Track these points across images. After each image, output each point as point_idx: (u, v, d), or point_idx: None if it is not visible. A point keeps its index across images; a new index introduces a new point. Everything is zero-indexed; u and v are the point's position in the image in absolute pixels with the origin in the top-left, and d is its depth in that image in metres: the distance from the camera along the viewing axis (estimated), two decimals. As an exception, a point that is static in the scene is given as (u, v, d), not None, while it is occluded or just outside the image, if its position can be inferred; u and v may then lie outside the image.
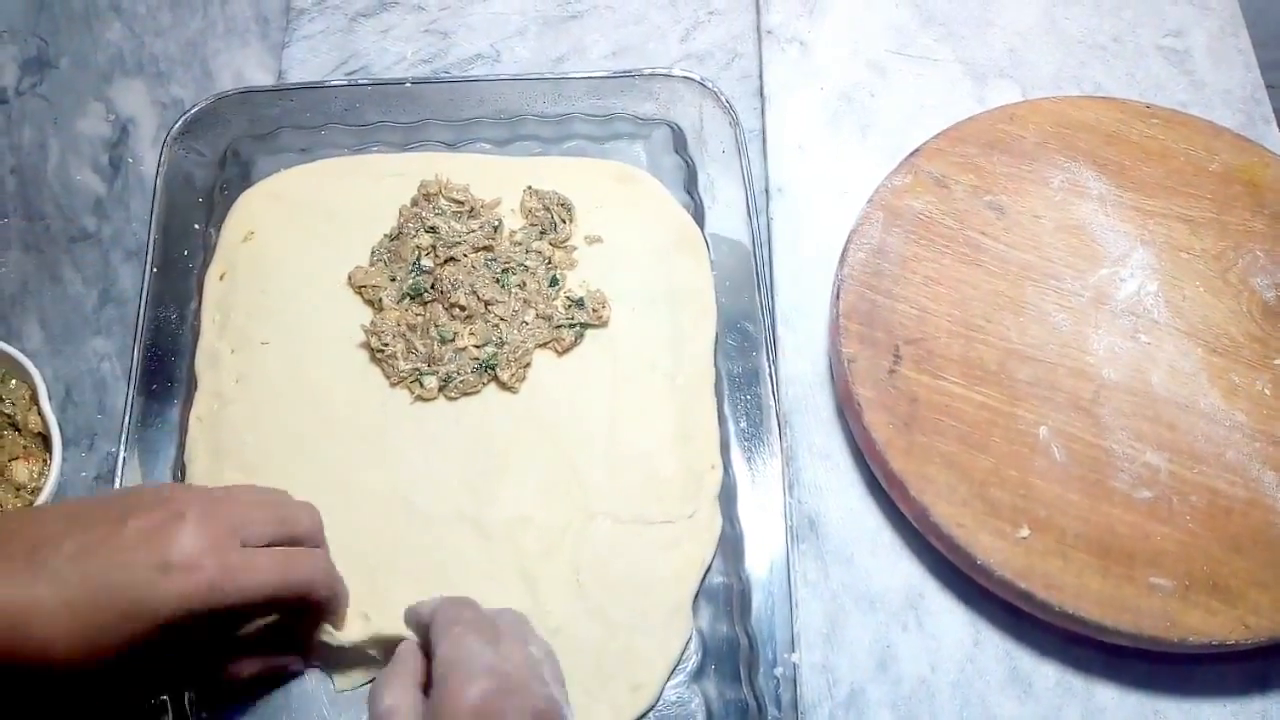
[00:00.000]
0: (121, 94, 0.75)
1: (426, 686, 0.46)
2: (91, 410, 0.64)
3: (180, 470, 0.61)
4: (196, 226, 0.68)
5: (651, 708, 0.56)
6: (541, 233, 0.67)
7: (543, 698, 0.45)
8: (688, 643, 0.57)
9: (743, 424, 0.62)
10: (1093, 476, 0.58)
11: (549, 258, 0.66)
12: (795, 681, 0.55)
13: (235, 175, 0.71)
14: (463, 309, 0.63)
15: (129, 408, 0.62)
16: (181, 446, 0.62)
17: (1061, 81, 0.76)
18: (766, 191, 0.71)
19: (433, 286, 0.65)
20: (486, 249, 0.66)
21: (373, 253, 0.67)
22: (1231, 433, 0.60)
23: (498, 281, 0.65)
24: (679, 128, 0.72)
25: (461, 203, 0.68)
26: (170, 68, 0.76)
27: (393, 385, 0.63)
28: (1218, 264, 0.65)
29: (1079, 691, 0.56)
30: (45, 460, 0.60)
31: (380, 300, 0.65)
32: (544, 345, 0.64)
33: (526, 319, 0.64)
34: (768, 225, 0.70)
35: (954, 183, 0.67)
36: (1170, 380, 0.61)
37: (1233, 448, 0.59)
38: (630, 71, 0.73)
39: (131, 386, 0.62)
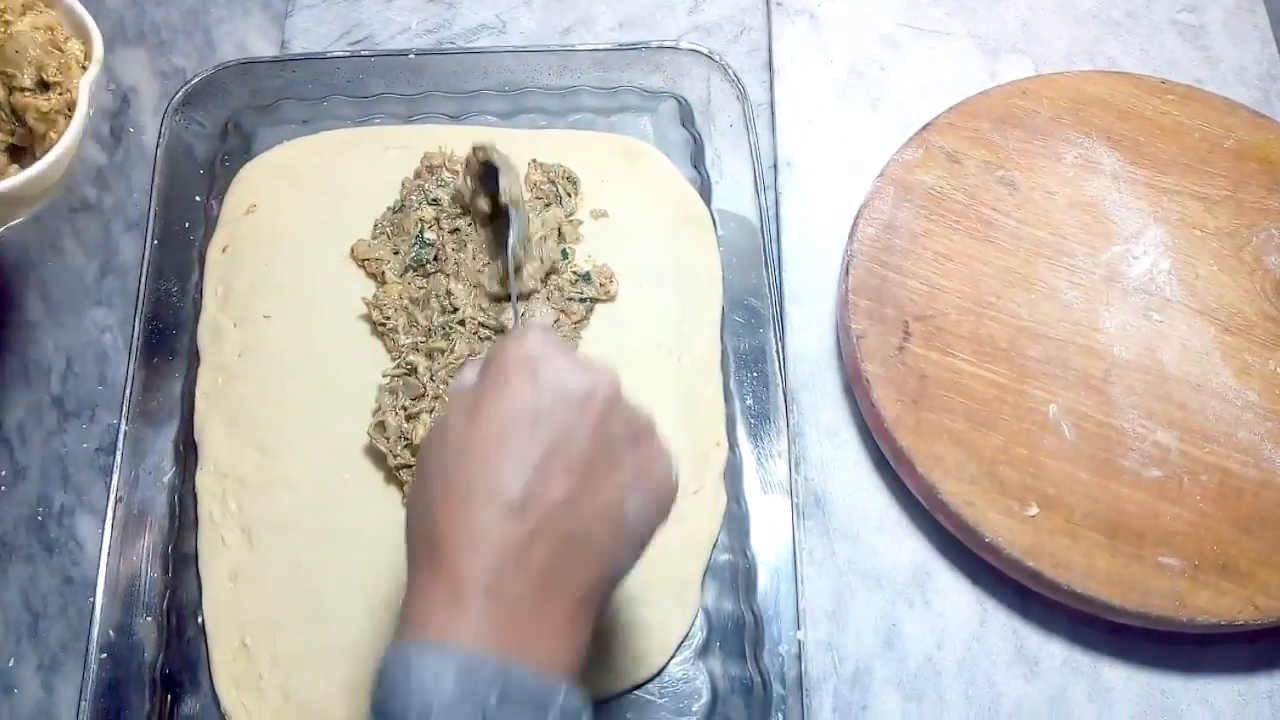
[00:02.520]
0: (122, 63, 0.74)
1: None
2: (93, 381, 0.64)
3: (184, 443, 0.61)
4: (197, 198, 0.68)
5: (653, 678, 0.55)
6: (546, 206, 0.67)
7: (611, 379, 0.42)
8: (694, 619, 0.57)
9: (749, 401, 0.62)
10: (1102, 455, 0.58)
11: (557, 229, 0.66)
12: (800, 659, 0.55)
13: (237, 147, 0.70)
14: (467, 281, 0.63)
15: (130, 380, 0.61)
16: (184, 419, 0.61)
17: (1075, 56, 0.75)
18: (775, 166, 0.70)
19: (435, 258, 0.64)
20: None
21: (375, 225, 0.67)
22: (1243, 412, 0.59)
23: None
24: (686, 101, 0.71)
25: (465, 175, 0.67)
26: (172, 36, 0.75)
27: (394, 359, 0.62)
28: (1232, 242, 0.64)
29: (1086, 670, 0.56)
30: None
31: (383, 273, 0.64)
32: (554, 323, 0.63)
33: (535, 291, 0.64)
34: (776, 200, 0.69)
35: (966, 158, 0.66)
36: (1182, 359, 0.61)
37: (1244, 427, 0.59)
38: (637, 44, 0.72)
39: (133, 358, 0.62)
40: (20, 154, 0.57)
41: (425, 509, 0.40)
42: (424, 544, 0.40)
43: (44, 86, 0.55)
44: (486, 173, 0.63)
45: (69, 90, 0.55)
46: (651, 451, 0.43)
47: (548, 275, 0.64)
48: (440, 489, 0.40)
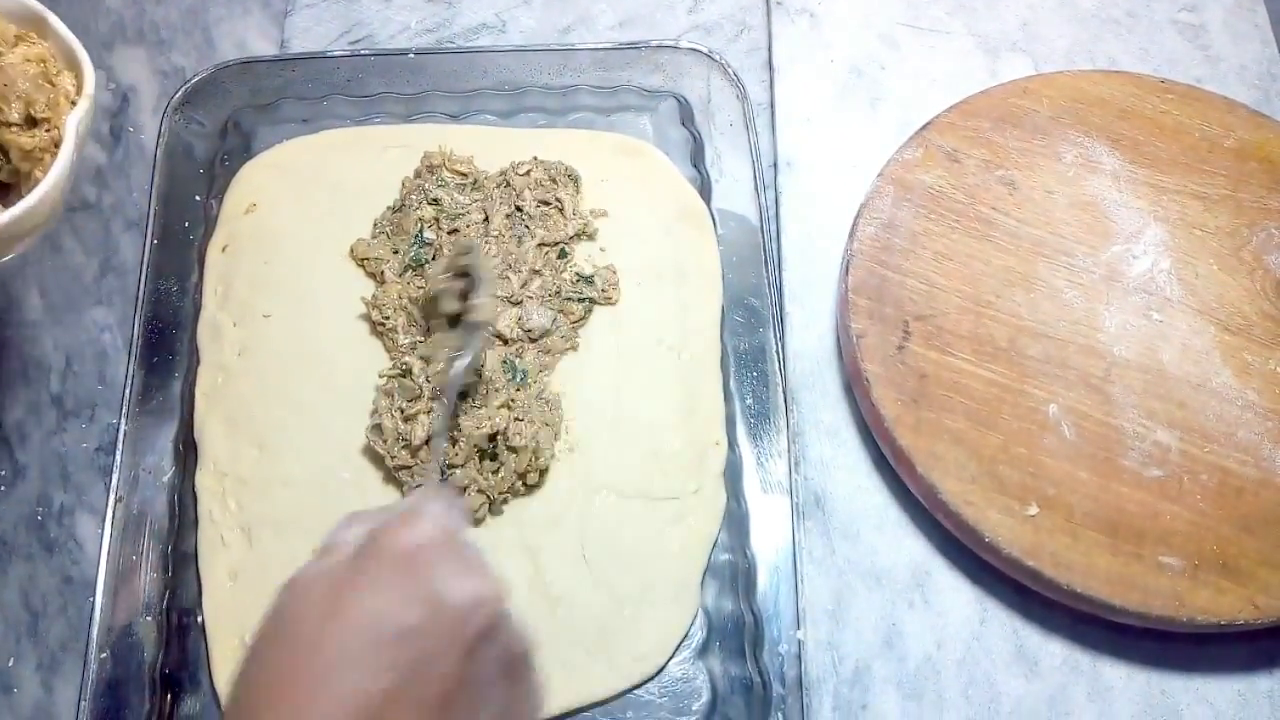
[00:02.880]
0: (122, 62, 0.74)
1: None
2: (92, 381, 0.64)
3: (184, 442, 0.61)
4: (197, 198, 0.68)
5: (652, 678, 0.55)
6: (546, 204, 0.67)
7: (497, 595, 0.38)
8: (694, 618, 0.57)
9: (749, 400, 0.62)
10: (1102, 455, 0.58)
11: (559, 246, 0.65)
12: (800, 659, 0.55)
13: (236, 146, 0.70)
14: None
15: (130, 379, 0.61)
16: (183, 419, 0.61)
17: (1075, 55, 0.75)
18: (775, 165, 0.70)
19: (434, 258, 0.64)
20: (489, 220, 0.65)
21: (375, 225, 0.67)
22: (1244, 412, 0.59)
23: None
24: (686, 100, 0.71)
25: (465, 174, 0.67)
26: (171, 35, 0.75)
27: (393, 358, 0.62)
28: (1232, 241, 0.64)
29: (1085, 670, 0.56)
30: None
31: (382, 273, 0.64)
32: (551, 322, 0.63)
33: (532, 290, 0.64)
34: (775, 199, 0.69)
35: (965, 157, 0.66)
36: (1182, 358, 0.61)
37: (1244, 427, 0.59)
38: (637, 43, 0.72)
39: (132, 358, 0.62)
40: (6, 190, 0.55)
41: (249, 706, 0.35)
42: None
43: (32, 122, 0.52)
44: (465, 274, 0.59)
45: (56, 126, 0.53)
46: (520, 690, 0.39)
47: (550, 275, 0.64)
48: (272, 688, 0.35)
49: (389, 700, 0.34)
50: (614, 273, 0.65)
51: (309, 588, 0.37)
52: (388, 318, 0.63)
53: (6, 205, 0.51)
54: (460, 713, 0.36)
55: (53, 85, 0.53)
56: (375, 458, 0.59)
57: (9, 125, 0.52)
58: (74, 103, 0.54)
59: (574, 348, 0.63)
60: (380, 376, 0.61)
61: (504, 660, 0.38)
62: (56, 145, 0.53)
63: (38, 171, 0.52)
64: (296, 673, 0.35)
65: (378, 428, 0.59)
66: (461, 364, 0.56)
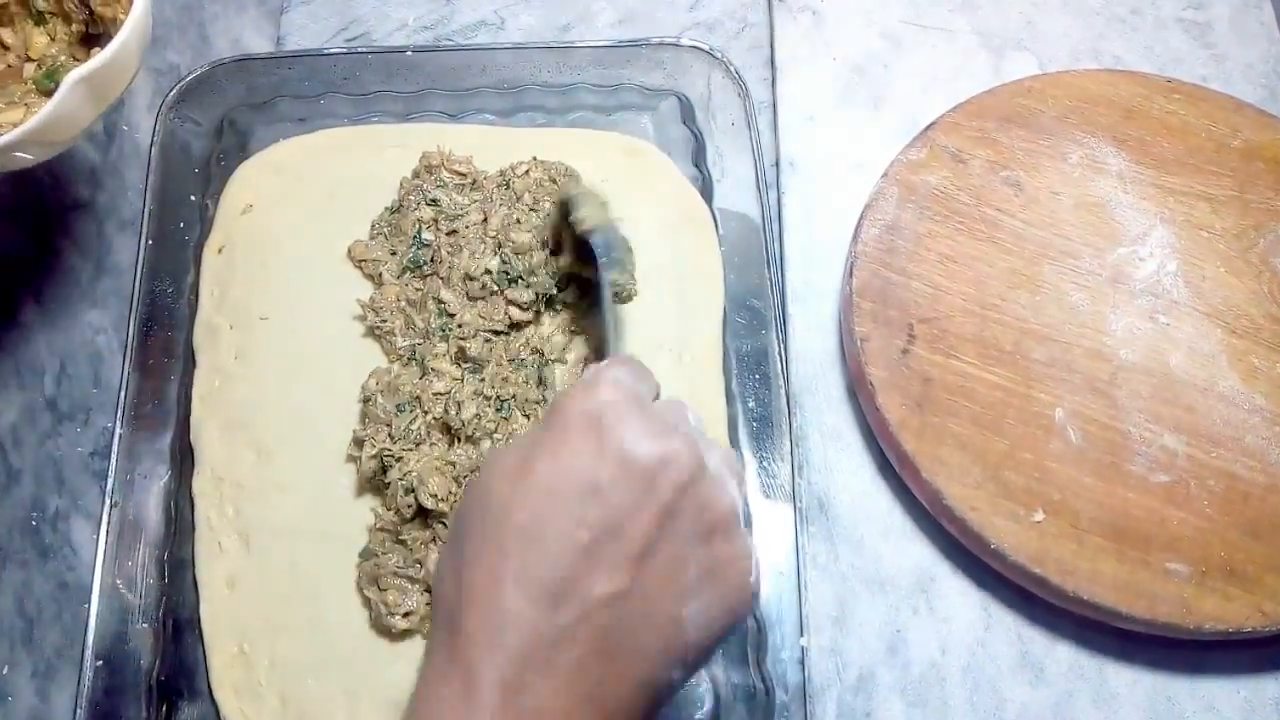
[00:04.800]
0: (115, 60, 0.73)
1: None
2: (87, 384, 0.63)
3: (180, 447, 0.60)
4: (192, 198, 0.67)
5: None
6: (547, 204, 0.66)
7: (691, 454, 0.37)
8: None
9: (751, 403, 0.61)
10: (1108, 459, 0.57)
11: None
12: (804, 665, 0.55)
13: (232, 145, 0.69)
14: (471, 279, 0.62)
15: (125, 382, 0.60)
16: (179, 423, 0.60)
17: (1079, 54, 0.74)
18: (777, 165, 0.70)
19: (433, 259, 0.63)
20: (488, 221, 0.65)
21: (373, 226, 0.66)
22: (1251, 416, 0.58)
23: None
24: (687, 99, 0.70)
25: (464, 175, 0.67)
26: (166, 32, 0.74)
27: (391, 361, 0.61)
28: (1239, 243, 0.64)
29: (1091, 676, 0.56)
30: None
31: (380, 274, 0.64)
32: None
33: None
34: (778, 200, 0.68)
35: (970, 157, 0.66)
36: (1189, 362, 0.60)
37: (1252, 432, 0.58)
38: (637, 41, 0.71)
39: (127, 361, 0.61)
40: (95, 41, 0.57)
41: (453, 577, 0.36)
42: (445, 620, 0.35)
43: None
44: (565, 213, 0.58)
45: None
46: (729, 549, 0.37)
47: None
48: (469, 557, 0.35)
49: (584, 555, 0.34)
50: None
51: (501, 456, 0.37)
52: (384, 320, 0.62)
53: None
54: (660, 570, 0.35)
55: None
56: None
57: None
58: None
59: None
60: (363, 391, 0.59)
61: (707, 518, 0.37)
62: None
63: (120, 15, 0.55)
64: (491, 537, 0.35)
65: (359, 442, 0.58)
66: (605, 276, 0.54)
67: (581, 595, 0.34)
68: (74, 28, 0.57)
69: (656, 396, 0.43)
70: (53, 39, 0.58)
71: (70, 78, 0.50)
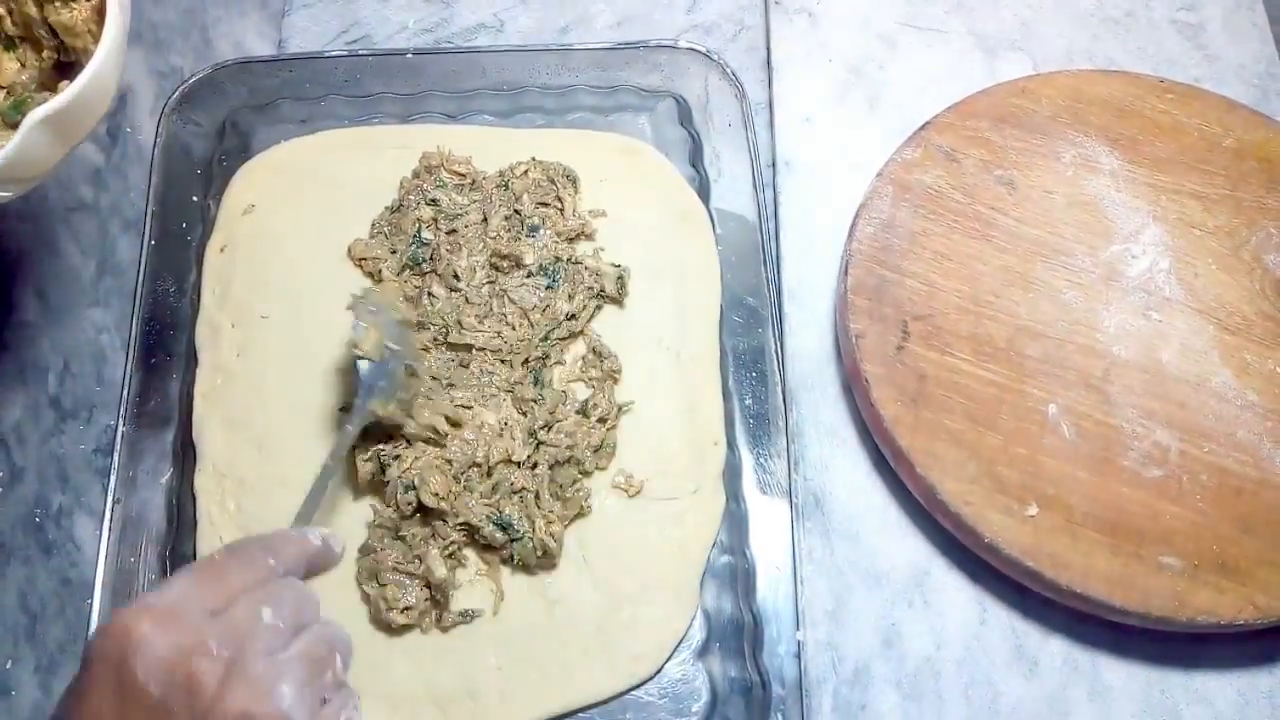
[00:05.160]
0: (119, 63, 0.74)
1: None
2: (90, 382, 0.64)
3: (182, 444, 0.60)
4: (195, 198, 0.68)
5: (651, 678, 0.55)
6: (545, 204, 0.66)
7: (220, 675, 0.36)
8: (693, 619, 0.57)
9: (748, 400, 0.62)
10: (1102, 454, 0.58)
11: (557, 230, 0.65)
12: (800, 659, 0.55)
13: (234, 146, 0.70)
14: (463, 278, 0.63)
15: (128, 380, 0.61)
16: (182, 420, 0.61)
17: (1073, 55, 0.75)
18: (773, 165, 0.70)
19: (432, 258, 0.64)
20: (487, 220, 0.65)
21: (373, 225, 0.67)
22: (1243, 412, 0.59)
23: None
24: (684, 100, 0.71)
25: (463, 175, 0.67)
26: (169, 35, 0.75)
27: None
28: (1230, 241, 0.64)
29: (1085, 669, 0.56)
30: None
31: (380, 272, 0.64)
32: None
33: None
34: (774, 199, 0.69)
35: (964, 157, 0.66)
36: (1181, 358, 0.60)
37: (1244, 427, 0.58)
38: (635, 43, 0.72)
39: (130, 359, 0.62)
40: (68, 70, 0.55)
41: None
42: None
43: None
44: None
45: None
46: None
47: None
48: None
49: None
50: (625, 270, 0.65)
51: (74, 687, 0.38)
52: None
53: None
54: None
55: None
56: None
57: (53, 2, 0.52)
58: None
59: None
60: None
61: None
62: (100, 18, 0.52)
63: (91, 45, 0.53)
64: None
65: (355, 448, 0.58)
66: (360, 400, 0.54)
67: None
68: (45, 55, 0.55)
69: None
70: (23, 65, 0.55)
71: (31, 117, 0.48)
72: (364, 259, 0.65)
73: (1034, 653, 0.56)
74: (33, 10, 0.53)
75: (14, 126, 0.52)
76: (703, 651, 0.56)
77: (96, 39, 0.52)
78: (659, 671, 0.56)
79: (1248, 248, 0.64)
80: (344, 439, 0.54)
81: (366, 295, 0.58)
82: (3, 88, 0.55)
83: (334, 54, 0.72)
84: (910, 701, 0.55)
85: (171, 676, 0.35)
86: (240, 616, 0.38)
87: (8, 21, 0.54)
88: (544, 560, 0.56)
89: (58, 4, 0.53)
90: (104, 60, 0.51)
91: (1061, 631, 0.57)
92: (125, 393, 0.61)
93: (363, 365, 0.56)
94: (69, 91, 0.49)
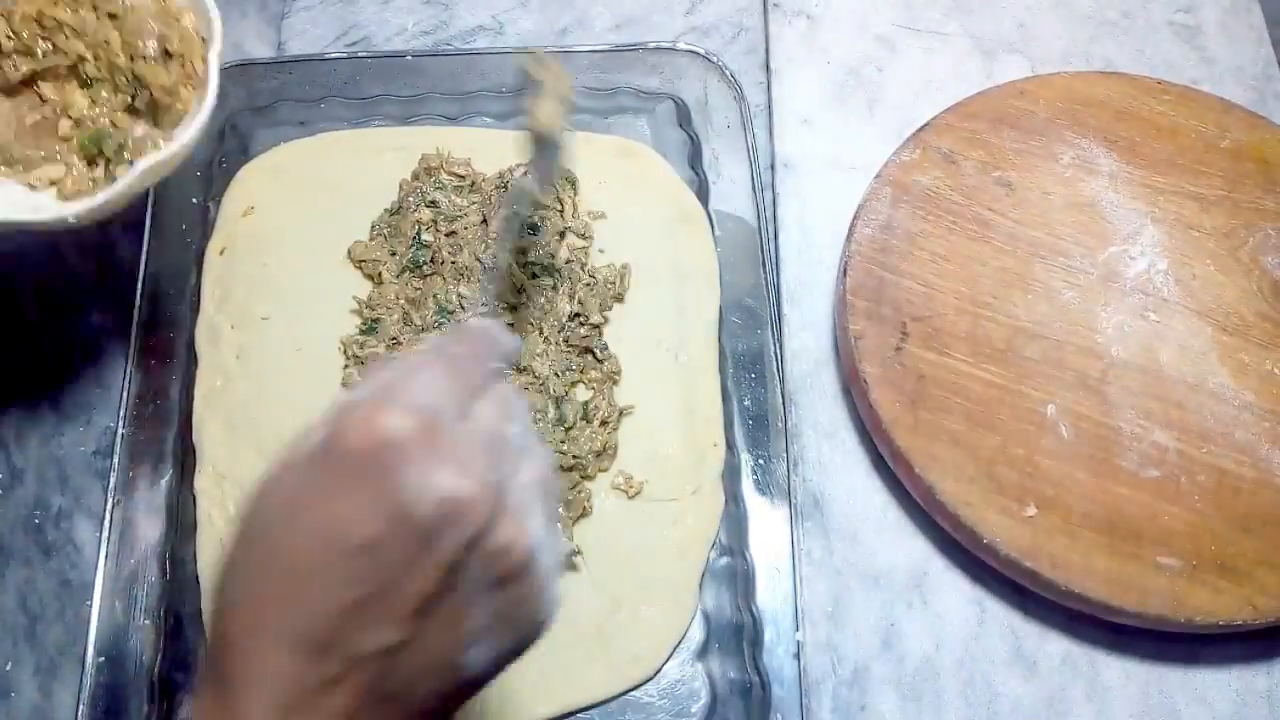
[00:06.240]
0: (118, 65, 0.74)
1: None
2: (90, 384, 0.64)
3: (182, 446, 0.61)
4: (195, 200, 0.68)
5: (651, 679, 0.55)
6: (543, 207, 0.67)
7: (482, 501, 0.33)
8: (692, 620, 0.57)
9: (747, 402, 0.62)
10: (1100, 455, 0.58)
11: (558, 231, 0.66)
12: (799, 659, 0.55)
13: (233, 148, 0.70)
14: (465, 276, 0.63)
15: (127, 382, 0.61)
16: (182, 421, 0.61)
17: (1071, 57, 0.75)
18: (772, 167, 0.70)
19: (432, 260, 0.64)
20: (486, 222, 0.66)
21: (373, 227, 0.67)
22: (1241, 412, 0.59)
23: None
24: (683, 102, 0.71)
25: (463, 177, 0.67)
26: (168, 38, 0.75)
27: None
28: (1228, 242, 0.65)
29: (1084, 669, 0.56)
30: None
31: (380, 274, 0.64)
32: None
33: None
34: (773, 201, 0.69)
35: (962, 158, 0.67)
36: (1179, 359, 0.61)
37: (1242, 427, 0.59)
38: (634, 45, 0.72)
39: (130, 361, 0.62)
40: (138, 112, 0.58)
41: (217, 616, 0.34)
42: (212, 658, 0.33)
43: (167, 56, 0.55)
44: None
45: (190, 62, 0.56)
46: (520, 591, 0.34)
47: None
48: (232, 597, 0.33)
49: (355, 612, 0.31)
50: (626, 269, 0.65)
51: (271, 490, 0.34)
52: (379, 319, 0.63)
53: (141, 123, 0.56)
54: (441, 621, 0.33)
55: (179, 22, 0.56)
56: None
57: (145, 59, 0.55)
58: (205, 40, 0.56)
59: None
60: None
61: (497, 569, 0.33)
62: (189, 80, 0.56)
63: (178, 105, 0.56)
64: (254, 581, 0.33)
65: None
66: (521, 175, 0.52)
67: (348, 649, 0.32)
68: (119, 97, 0.56)
69: (512, 364, 0.39)
70: (94, 102, 0.57)
71: (140, 164, 0.52)
72: (364, 261, 0.65)
73: (1033, 653, 0.57)
74: (121, 61, 0.55)
75: (88, 158, 0.56)
76: (702, 652, 0.57)
77: (185, 104, 0.56)
78: (658, 672, 0.56)
79: (1245, 249, 0.64)
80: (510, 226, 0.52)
81: (539, 56, 0.53)
82: (70, 118, 0.57)
83: (333, 56, 0.72)
84: (909, 702, 0.55)
85: (442, 505, 0.32)
86: (489, 432, 0.35)
87: (90, 65, 0.56)
88: None
89: (153, 60, 0.55)
90: (205, 117, 0.54)
91: (1060, 632, 0.57)
92: (125, 394, 0.61)
93: (546, 136, 0.51)
94: (175, 144, 0.53)
